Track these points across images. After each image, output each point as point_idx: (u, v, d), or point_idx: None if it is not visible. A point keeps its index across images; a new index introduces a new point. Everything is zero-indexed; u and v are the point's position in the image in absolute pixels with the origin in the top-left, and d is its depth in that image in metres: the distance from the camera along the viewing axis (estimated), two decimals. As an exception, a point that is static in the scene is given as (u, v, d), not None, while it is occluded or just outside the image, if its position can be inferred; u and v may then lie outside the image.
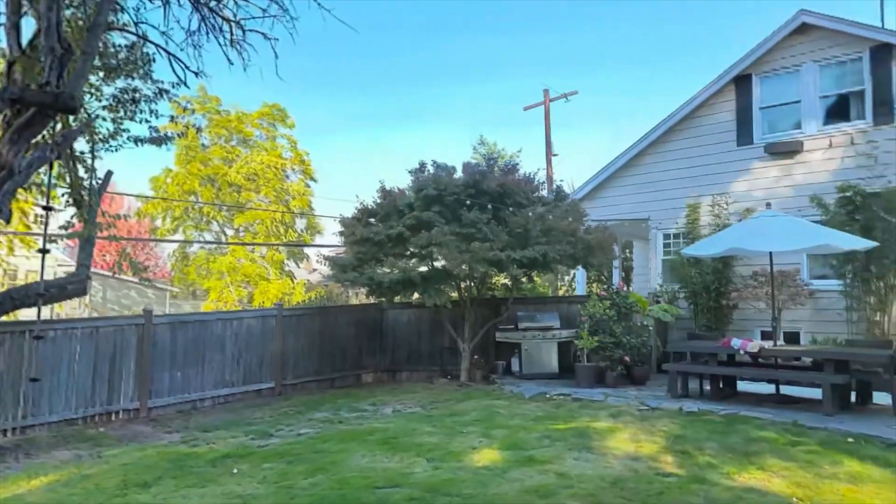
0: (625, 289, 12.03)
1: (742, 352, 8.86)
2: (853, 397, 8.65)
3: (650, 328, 11.43)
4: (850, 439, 6.69)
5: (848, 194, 10.46)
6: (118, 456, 6.81)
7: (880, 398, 8.54)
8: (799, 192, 11.42)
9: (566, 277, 21.63)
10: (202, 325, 10.26)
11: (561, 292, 21.27)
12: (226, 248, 24.74)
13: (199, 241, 25.86)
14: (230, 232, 26.06)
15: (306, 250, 27.64)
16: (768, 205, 10.03)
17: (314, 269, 31.07)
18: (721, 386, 9.50)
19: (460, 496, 4.98)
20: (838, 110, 11.52)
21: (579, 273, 16.44)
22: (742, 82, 12.37)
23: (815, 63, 11.57)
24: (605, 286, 13.86)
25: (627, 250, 18.44)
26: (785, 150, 11.74)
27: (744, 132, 12.33)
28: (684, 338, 10.96)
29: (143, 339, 9.32)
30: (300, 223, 27.01)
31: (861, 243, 8.84)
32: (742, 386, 9.87)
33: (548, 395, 9.84)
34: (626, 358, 10.64)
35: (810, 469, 5.64)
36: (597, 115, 59.98)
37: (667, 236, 13.28)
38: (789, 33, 11.76)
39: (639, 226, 13.97)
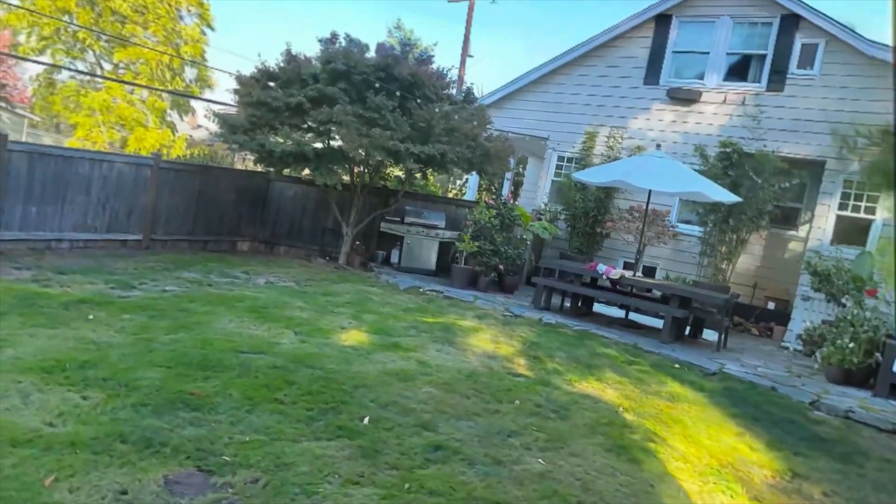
0: (512, 202, 12.40)
1: (605, 277, 9.58)
2: (687, 331, 9.73)
3: (528, 242, 11.98)
4: (676, 365, 7.58)
5: (727, 150, 11.23)
6: (-45, 285, 6.28)
7: (709, 335, 9.70)
8: (687, 140, 12.10)
9: (459, 181, 21.89)
10: (67, 162, 9.39)
11: (451, 194, 21.55)
12: (100, 84, 22.35)
13: (70, 69, 23.08)
14: (108, 66, 23.48)
15: (193, 104, 25.62)
16: (658, 146, 10.57)
17: (199, 126, 29.04)
18: (580, 304, 10.32)
19: (323, 370, 5.14)
20: (739, 70, 12.12)
21: (472, 178, 16.67)
22: (662, 21, 12.58)
23: (731, 18, 11.96)
24: (495, 196, 14.21)
25: (521, 165, 18.85)
26: (685, 97, 12.27)
27: (652, 72, 12.68)
28: (556, 256, 11.64)
29: (-7, 165, 8.39)
30: (190, 73, 24.82)
31: (728, 196, 9.63)
32: (598, 307, 10.77)
33: (421, 290, 10.18)
34: (501, 266, 11.16)
35: (639, 385, 6.36)
36: (516, 23, 58.72)
37: (561, 158, 13.70)
38: (716, -18, 12.01)
39: (537, 143, 14.26)
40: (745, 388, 6.99)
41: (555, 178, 13.72)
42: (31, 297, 6.12)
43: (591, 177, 10.35)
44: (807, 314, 10.42)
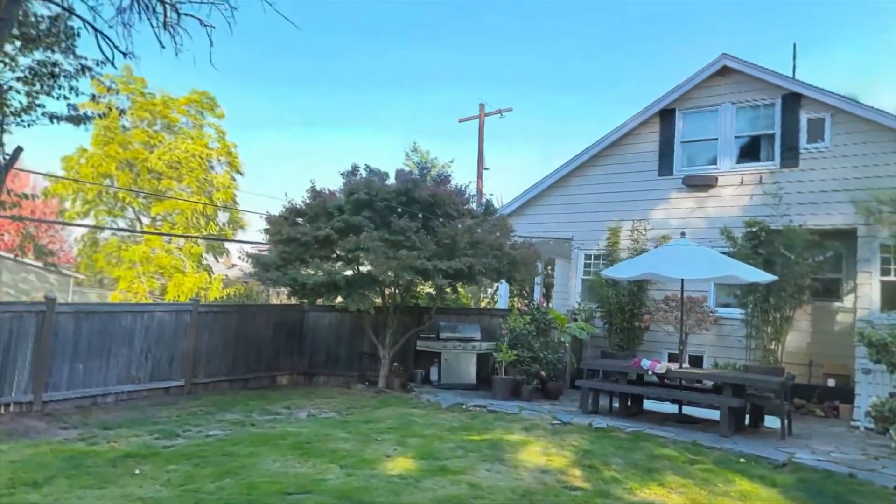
0: (545, 305, 12.35)
1: (650, 372, 9.28)
2: (747, 420, 9.24)
3: (566, 345, 11.79)
4: (742, 459, 7.14)
5: (754, 229, 11.18)
6: (6, 452, 6.35)
7: (771, 422, 9.18)
8: (711, 224, 12.12)
9: (489, 290, 21.97)
10: (110, 317, 9.74)
11: (483, 305, 21.58)
12: (140, 237, 23.60)
13: (112, 228, 24.53)
14: (146, 220, 24.89)
15: (227, 246, 26.79)
16: (683, 234, 10.59)
17: (234, 265, 30.12)
18: (629, 404, 9.92)
19: (372, 504, 4.97)
20: (750, 150, 12.32)
21: (502, 287, 16.74)
22: (666, 116, 13.03)
23: (733, 105, 12.34)
24: (527, 301, 14.19)
25: (550, 267, 18.95)
26: (701, 184, 12.44)
27: (665, 163, 12.97)
28: (598, 356, 11.38)
29: (43, 328, 8.74)
30: (222, 217, 26.16)
31: (762, 276, 9.47)
32: (648, 405, 10.34)
33: (464, 406, 9.96)
34: (542, 373, 10.94)
35: (705, 486, 5.97)
36: (528, 134, 61.35)
37: (588, 257, 13.75)
38: (711, 74, 12.49)
39: (562, 245, 14.40)
40: (820, 477, 6.51)
41: (584, 277, 13.71)
42: (78, 457, 6.14)
43: (621, 272, 10.32)
44: (871, 388, 9.86)
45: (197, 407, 9.43)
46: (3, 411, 8.34)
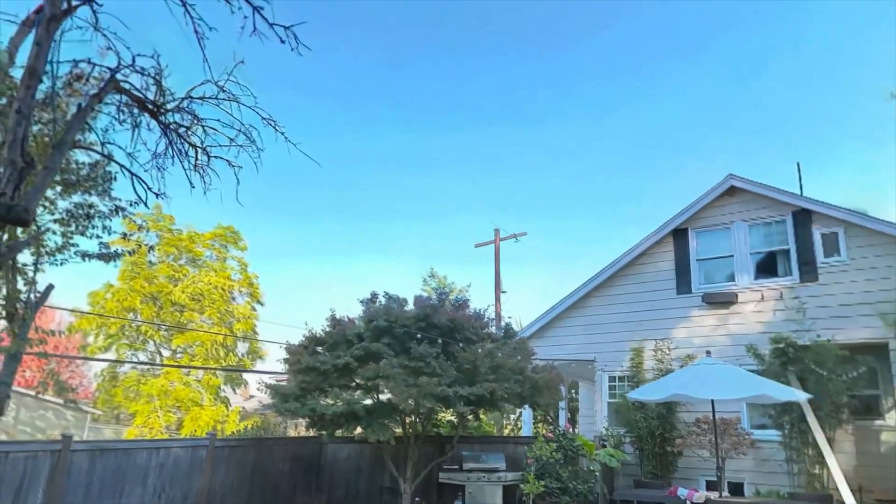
0: (571, 431, 11.90)
1: (689, 503, 8.73)
2: (799, 554, 8.53)
3: (597, 473, 11.21)
4: None
5: (781, 346, 10.94)
6: None
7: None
8: (736, 341, 11.89)
9: (512, 416, 21.30)
10: (125, 454, 9.51)
11: (506, 432, 20.84)
12: (159, 371, 23.57)
13: (132, 362, 24.60)
14: (167, 353, 24.98)
15: (245, 376, 26.58)
16: (708, 353, 10.37)
17: (251, 396, 29.70)
18: (669, 539, 9.25)
19: None
20: (768, 266, 12.35)
21: (526, 412, 16.24)
22: (679, 235, 13.24)
23: (745, 222, 12.55)
24: (552, 427, 13.71)
25: (573, 391, 18.45)
26: (721, 301, 12.36)
27: (682, 281, 12.99)
28: (630, 485, 10.78)
29: (56, 468, 8.52)
30: (242, 347, 26.21)
31: (796, 395, 9.13)
32: (689, 539, 9.61)
33: (492, 545, 9.32)
34: (573, 505, 10.32)
35: None
36: (542, 256, 62.22)
37: (612, 378, 13.42)
38: (720, 194, 12.83)
39: (585, 367, 14.12)
40: None
41: (610, 400, 13.30)
42: None
43: (649, 394, 10.02)
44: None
45: (209, 551, 8.92)
46: (7, 560, 7.95)
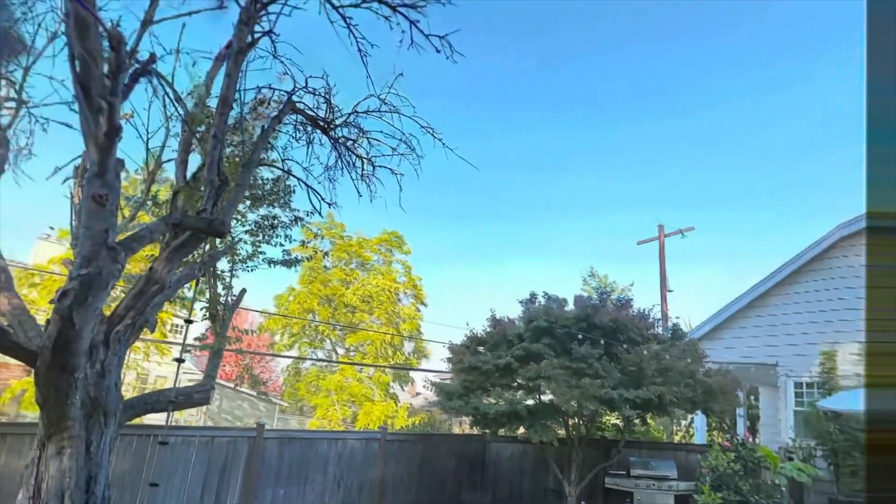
0: (751, 440, 10.97)
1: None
2: None
3: (783, 488, 10.21)
4: None
5: None
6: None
7: None
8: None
9: (683, 422, 20.10)
10: (308, 443, 10.39)
11: (676, 439, 19.71)
12: (335, 367, 25.45)
13: (312, 359, 26.83)
14: (341, 351, 26.92)
15: (412, 374, 27.83)
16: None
17: (418, 394, 31.06)
18: (874, 568, 8.16)
19: None
20: None
21: (698, 419, 15.24)
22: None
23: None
24: (729, 436, 12.73)
25: (752, 397, 16.96)
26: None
27: (884, 276, 11.42)
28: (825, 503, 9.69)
29: (252, 453, 9.54)
30: (408, 346, 27.46)
31: None
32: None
33: (664, 557, 8.87)
34: (756, 521, 9.50)
35: None
36: (711, 252, 58.20)
37: (798, 385, 12.17)
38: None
39: (765, 371, 12.93)
40: None
41: (797, 409, 12.06)
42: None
43: (845, 403, 8.95)
44: None
45: (383, 539, 9.45)
46: (215, 532, 9.03)
